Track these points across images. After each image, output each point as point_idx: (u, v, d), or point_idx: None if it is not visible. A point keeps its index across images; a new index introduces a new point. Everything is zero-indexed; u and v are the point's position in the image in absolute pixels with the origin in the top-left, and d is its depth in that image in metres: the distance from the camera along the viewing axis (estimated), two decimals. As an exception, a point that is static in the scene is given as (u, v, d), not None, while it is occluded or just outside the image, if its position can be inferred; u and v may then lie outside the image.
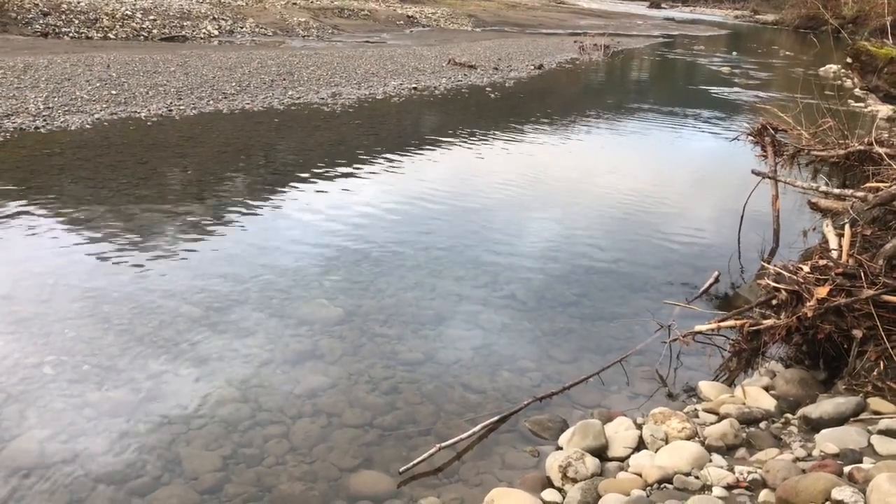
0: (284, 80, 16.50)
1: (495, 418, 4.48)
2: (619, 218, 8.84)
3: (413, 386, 4.91)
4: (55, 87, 13.61)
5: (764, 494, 3.34)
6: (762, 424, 4.27)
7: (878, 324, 4.35)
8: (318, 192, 9.19)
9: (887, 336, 4.32)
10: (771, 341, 4.88)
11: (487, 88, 18.18)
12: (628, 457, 4.06)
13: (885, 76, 14.58)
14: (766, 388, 4.72)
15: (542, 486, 3.85)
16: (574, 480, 3.80)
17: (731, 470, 3.65)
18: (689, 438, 4.08)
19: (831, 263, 4.90)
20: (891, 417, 3.88)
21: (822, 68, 24.34)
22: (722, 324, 5.25)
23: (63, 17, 22.06)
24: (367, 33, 29.07)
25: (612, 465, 4.01)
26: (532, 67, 22.34)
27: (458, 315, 6.00)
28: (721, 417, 4.32)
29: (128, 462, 4.00)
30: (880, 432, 3.75)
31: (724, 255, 7.45)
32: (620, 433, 4.24)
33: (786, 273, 4.98)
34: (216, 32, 24.61)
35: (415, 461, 4.03)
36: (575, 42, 30.56)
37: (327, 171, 10.05)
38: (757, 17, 59.33)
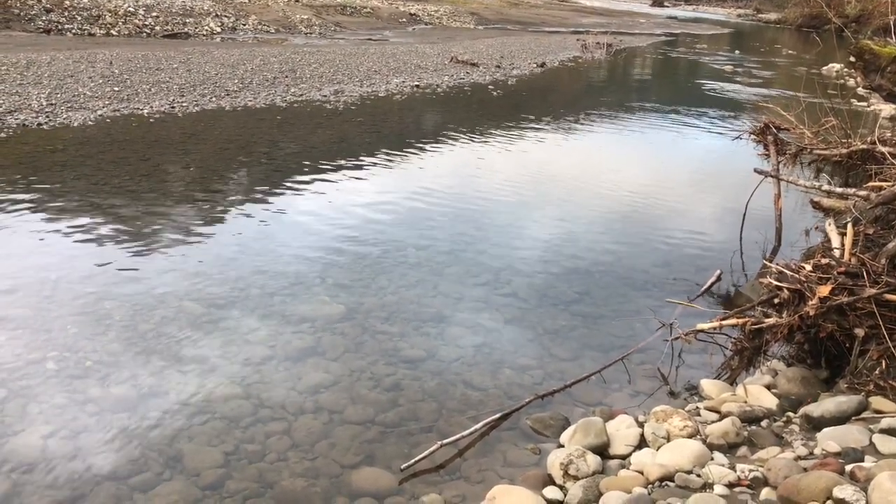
0: (287, 77, 16.50)
1: (497, 416, 4.48)
2: (621, 216, 8.84)
3: (415, 383, 4.91)
4: (58, 83, 13.62)
5: (765, 493, 3.35)
6: (764, 423, 4.27)
7: (881, 323, 4.35)
8: (319, 189, 9.19)
9: (889, 335, 4.32)
10: (773, 340, 4.88)
11: (490, 86, 18.17)
12: (630, 455, 4.06)
13: (889, 75, 14.55)
14: (768, 387, 4.73)
15: (544, 484, 3.85)
16: (575, 478, 3.81)
17: (732, 468, 3.65)
18: (690, 437, 4.08)
19: (834, 262, 4.90)
20: (892, 416, 3.89)
21: (825, 67, 24.30)
22: (724, 322, 5.26)
23: (66, 13, 22.05)
24: (370, 31, 29.06)
25: (613, 462, 4.02)
26: (534, 65, 22.31)
27: (460, 313, 6.00)
28: (723, 416, 4.32)
29: (130, 458, 4.00)
30: (882, 431, 3.75)
31: (726, 254, 7.45)
32: (622, 431, 4.25)
33: (788, 272, 4.99)
34: (219, 29, 24.60)
35: (416, 458, 4.04)
36: (577, 40, 30.51)
37: (329, 169, 10.05)
38: (760, 15, 59.22)
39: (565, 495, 3.71)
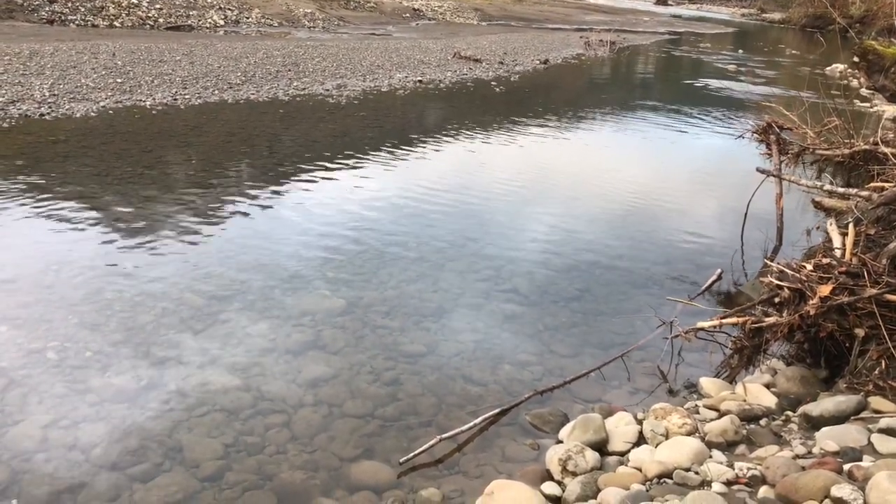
0: (290, 71, 16.48)
1: (496, 411, 4.49)
2: (623, 214, 8.84)
3: (414, 377, 4.92)
4: (60, 74, 13.61)
5: (763, 491, 3.35)
6: (762, 421, 4.28)
7: (881, 323, 4.35)
8: (321, 183, 9.19)
9: (889, 335, 4.32)
10: (773, 339, 4.89)
11: (492, 82, 18.16)
12: (628, 451, 4.07)
13: (892, 76, 14.53)
14: (767, 386, 4.73)
15: (542, 479, 3.86)
16: (574, 474, 3.81)
17: (730, 466, 3.66)
18: (689, 434, 4.09)
19: (835, 262, 4.90)
20: (891, 416, 3.89)
21: (829, 67, 24.27)
22: (724, 321, 5.26)
23: (69, 4, 22.03)
24: (373, 25, 29.02)
25: (611, 459, 4.02)
26: (537, 62, 22.29)
27: (460, 308, 6.01)
28: (722, 414, 4.33)
29: (129, 448, 4.01)
30: (880, 431, 3.75)
31: (727, 253, 7.45)
32: (621, 428, 4.25)
33: (789, 271, 4.99)
34: (222, 22, 24.58)
35: (415, 452, 4.05)
36: (581, 38, 30.46)
37: (331, 163, 10.05)
38: (763, 15, 59.10)
39: (563, 491, 3.72)
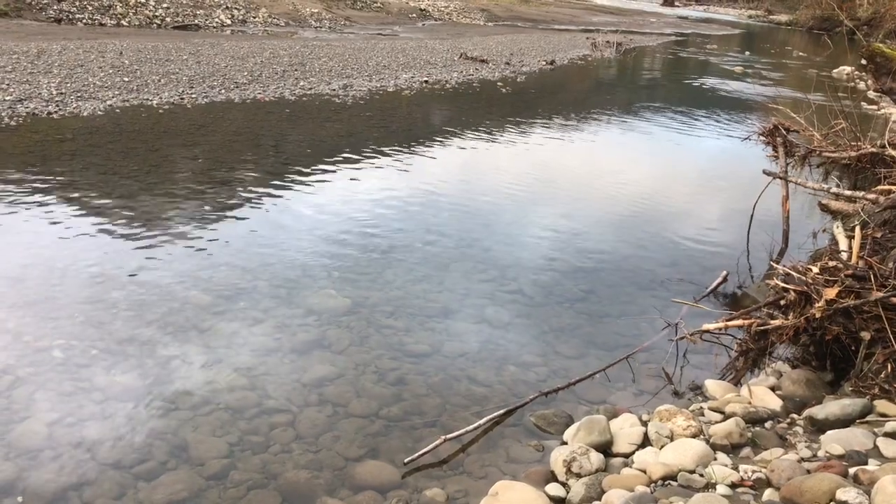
0: (296, 70, 16.51)
1: (501, 412, 4.49)
2: (628, 215, 8.83)
3: (419, 378, 4.92)
4: (68, 72, 13.65)
5: (768, 493, 3.35)
6: (767, 424, 4.27)
7: (887, 326, 4.34)
8: (327, 183, 9.20)
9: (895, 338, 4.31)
10: (778, 341, 4.88)
11: (499, 83, 18.15)
12: (633, 453, 4.06)
13: (900, 79, 14.47)
14: (773, 388, 4.72)
15: (547, 481, 3.86)
16: (578, 475, 3.81)
17: (735, 469, 3.65)
18: (694, 436, 4.08)
19: (841, 265, 4.89)
20: (897, 420, 3.88)
21: (836, 70, 24.20)
22: (729, 323, 5.25)
23: (77, 3, 22.09)
24: (380, 25, 29.05)
25: (616, 461, 4.02)
26: (544, 63, 22.27)
27: (465, 308, 6.01)
28: (726, 416, 4.32)
29: (135, 447, 4.02)
30: (886, 434, 3.74)
31: (732, 255, 7.44)
32: (626, 430, 4.25)
33: (795, 274, 4.97)
34: (229, 22, 24.62)
35: (420, 452, 4.05)
36: (587, 38, 30.45)
37: (337, 163, 10.06)
38: (770, 17, 58.96)
39: (568, 492, 3.72)
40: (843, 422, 3.99)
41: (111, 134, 10.42)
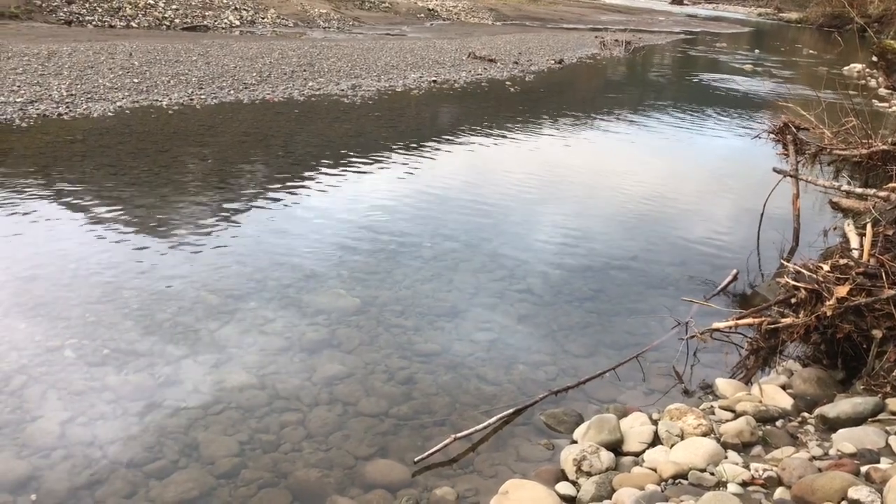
0: (305, 71, 16.54)
1: (510, 410, 4.49)
2: (638, 214, 8.81)
3: (429, 377, 4.93)
4: (78, 74, 13.72)
5: (779, 492, 3.34)
6: (778, 423, 4.26)
7: (899, 324, 4.32)
8: (336, 183, 9.22)
9: (907, 337, 4.29)
10: (789, 340, 4.86)
11: (507, 82, 18.14)
12: (643, 452, 4.06)
13: (911, 76, 14.39)
14: (783, 387, 4.70)
15: (557, 479, 3.86)
16: (588, 474, 3.81)
17: (746, 467, 3.64)
18: (704, 435, 4.07)
19: (852, 263, 4.87)
20: (909, 418, 3.86)
21: (847, 67, 24.07)
22: (740, 321, 5.23)
23: (87, 5, 22.21)
24: (388, 25, 29.07)
25: (626, 459, 4.01)
26: (552, 62, 22.24)
27: (475, 307, 6.01)
28: (737, 415, 4.31)
29: (146, 445, 4.04)
30: (898, 433, 3.72)
31: (743, 253, 7.42)
32: (636, 428, 4.24)
33: (805, 272, 4.95)
34: (237, 23, 24.69)
35: (430, 451, 4.05)
36: (596, 37, 30.38)
37: (346, 163, 10.07)
38: (780, 14, 58.70)
39: (578, 491, 3.72)
40: (855, 420, 3.98)
41: (121, 135, 10.46)
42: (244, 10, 25.89)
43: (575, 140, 13.12)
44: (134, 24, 22.20)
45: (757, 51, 32.03)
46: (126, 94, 12.73)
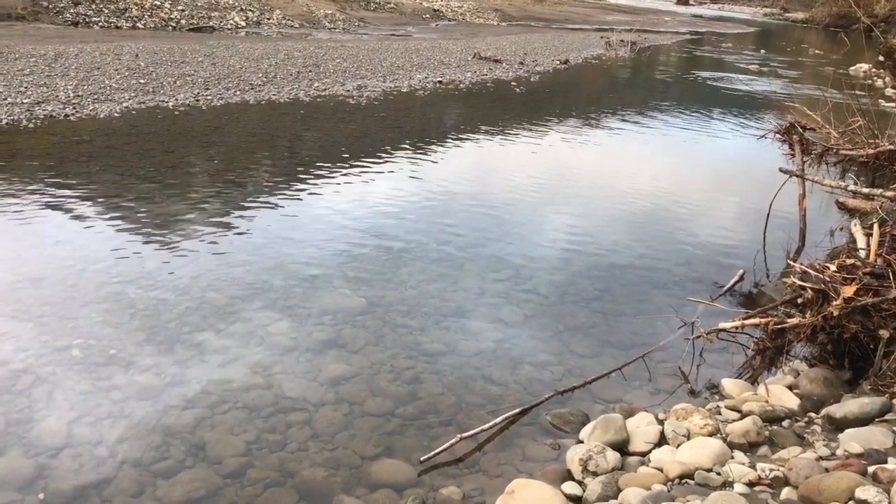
0: (310, 72, 16.56)
1: (516, 410, 4.49)
2: (644, 214, 8.80)
3: (434, 377, 4.93)
4: (85, 75, 13.77)
5: (786, 492, 3.33)
6: (785, 423, 4.25)
7: (906, 324, 4.31)
8: (342, 183, 9.23)
9: (915, 337, 4.27)
10: (795, 340, 4.85)
11: (512, 83, 18.14)
12: (649, 452, 4.05)
13: (918, 76, 14.34)
14: (790, 387, 4.69)
15: (563, 479, 3.85)
16: (595, 474, 3.81)
17: (753, 467, 3.63)
18: (711, 435, 4.07)
19: (859, 263, 4.86)
20: (917, 419, 3.85)
21: (853, 67, 24.01)
22: (746, 322, 5.22)
23: (93, 6, 22.28)
24: (393, 26, 29.10)
25: (632, 459, 4.01)
26: (558, 62, 22.25)
27: (480, 308, 6.01)
28: (744, 415, 4.30)
29: (153, 445, 4.05)
30: (906, 433, 3.71)
31: (749, 253, 7.40)
32: (642, 428, 4.24)
33: (812, 272, 4.94)
34: (243, 24, 24.75)
35: (436, 451, 4.05)
36: (601, 38, 30.39)
37: (352, 163, 10.08)
38: (786, 14, 58.59)
39: (584, 491, 3.71)
40: (862, 420, 3.97)
41: (127, 136, 10.49)
42: (250, 11, 25.95)
43: (580, 140, 13.11)
44: (140, 25, 22.26)
45: (763, 51, 31.98)
46: (132, 94, 12.77)
